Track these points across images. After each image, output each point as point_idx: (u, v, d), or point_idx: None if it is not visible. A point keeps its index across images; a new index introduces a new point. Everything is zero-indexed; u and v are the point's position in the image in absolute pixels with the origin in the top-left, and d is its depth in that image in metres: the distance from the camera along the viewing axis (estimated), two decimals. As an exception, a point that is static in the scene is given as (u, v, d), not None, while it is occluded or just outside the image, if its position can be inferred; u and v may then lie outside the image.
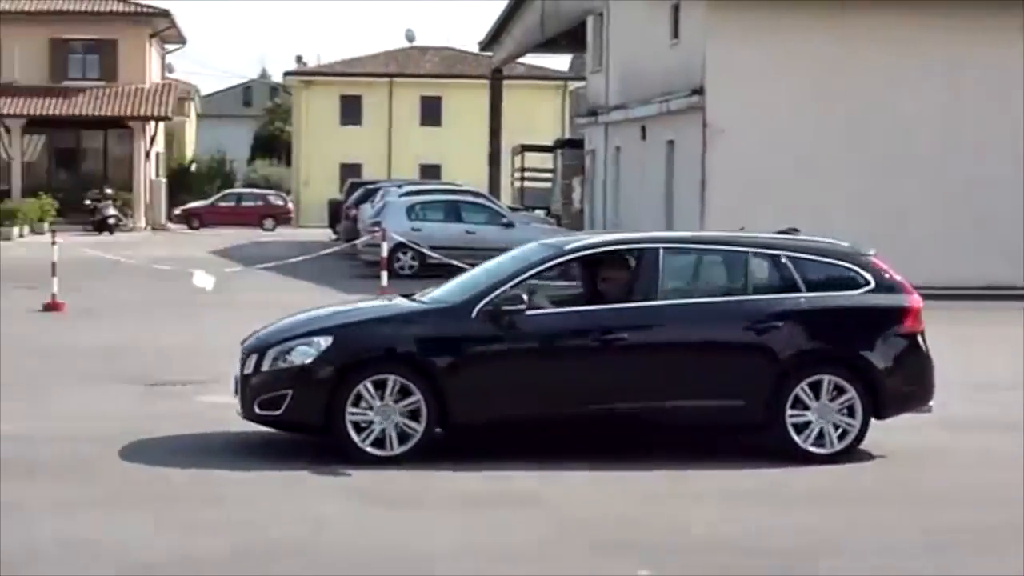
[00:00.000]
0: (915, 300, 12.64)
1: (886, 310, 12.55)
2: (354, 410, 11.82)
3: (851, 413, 12.23)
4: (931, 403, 12.77)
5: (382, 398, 11.83)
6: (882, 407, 12.39)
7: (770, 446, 12.32)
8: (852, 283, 12.65)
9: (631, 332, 12.28)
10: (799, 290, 12.52)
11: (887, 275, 12.72)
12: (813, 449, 12.17)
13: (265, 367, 12.14)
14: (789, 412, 12.13)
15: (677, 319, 12.42)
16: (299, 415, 12.06)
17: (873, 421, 12.37)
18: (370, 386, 11.85)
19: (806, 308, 12.46)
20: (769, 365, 12.24)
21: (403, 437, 11.85)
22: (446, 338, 12.19)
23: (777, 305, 12.47)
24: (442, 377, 11.98)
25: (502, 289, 12.24)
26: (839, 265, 12.77)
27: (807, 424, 12.17)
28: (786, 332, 12.36)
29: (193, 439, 12.99)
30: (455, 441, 12.27)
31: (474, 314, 12.14)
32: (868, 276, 12.63)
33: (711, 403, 12.31)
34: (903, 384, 12.53)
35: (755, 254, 12.81)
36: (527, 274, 12.51)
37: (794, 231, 13.29)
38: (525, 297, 12.15)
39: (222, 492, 10.87)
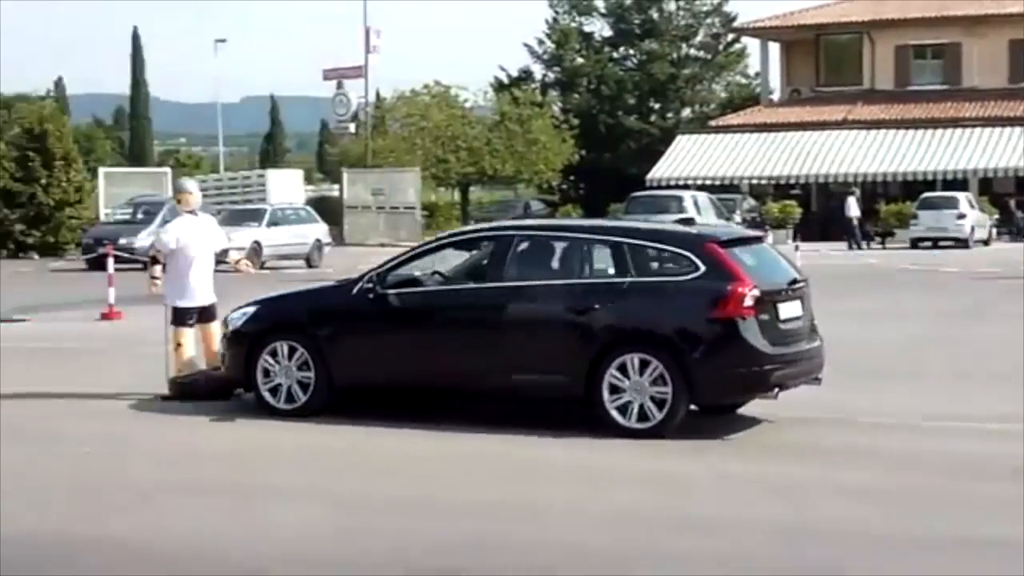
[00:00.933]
0: (740, 288, 12.82)
1: (705, 295, 12.94)
2: (264, 368, 14.19)
3: (664, 392, 12.80)
4: (775, 392, 13.12)
5: (287, 360, 14.06)
6: (700, 390, 12.92)
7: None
8: (683, 269, 13.21)
9: (478, 311, 13.71)
10: (629, 275, 13.27)
11: (721, 262, 13.08)
12: (630, 424, 12.88)
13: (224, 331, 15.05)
14: (606, 388, 12.90)
15: (517, 300, 13.55)
16: (232, 372, 14.72)
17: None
18: (276, 349, 14.16)
19: (624, 291, 13.23)
20: (587, 344, 13.07)
21: (292, 396, 14.12)
22: (329, 312, 14.38)
23: (599, 288, 13.39)
24: (324, 345, 14.04)
25: (377, 270, 14.20)
26: (674, 252, 13.42)
27: (627, 401, 12.90)
28: (604, 313, 13.15)
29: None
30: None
31: (354, 291, 14.13)
32: (700, 263, 13.09)
33: (541, 378, 13.32)
34: (719, 367, 12.90)
35: (596, 241, 13.85)
36: (402, 258, 14.53)
37: (689, 221, 14.28)
38: (391, 278, 14.04)
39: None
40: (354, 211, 61.08)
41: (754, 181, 63.12)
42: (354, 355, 14.08)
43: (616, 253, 13.53)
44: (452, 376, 13.82)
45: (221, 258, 16.76)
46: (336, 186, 71.81)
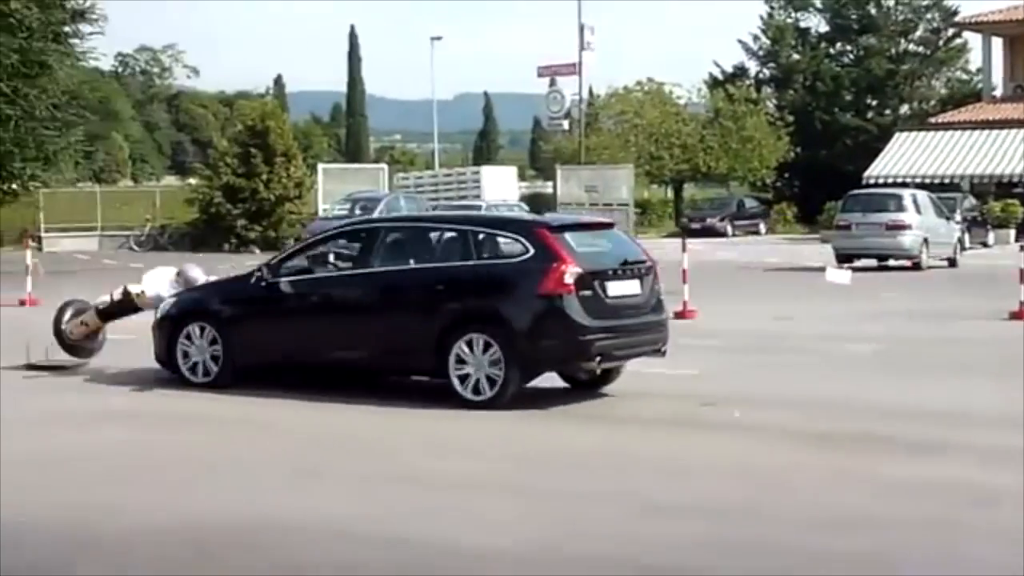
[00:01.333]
0: (560, 268, 14.22)
1: (532, 274, 14.36)
2: (182, 349, 16.07)
3: (499, 366, 14.18)
4: (598, 360, 14.49)
5: (200, 339, 15.92)
6: (526, 362, 14.31)
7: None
8: (515, 252, 14.67)
9: (347, 295, 15.50)
10: (472, 259, 14.86)
11: (547, 245, 14.45)
12: (472, 396, 14.29)
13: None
14: (452, 364, 14.32)
15: (378, 285, 15.27)
16: (156, 351, 16.45)
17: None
18: (191, 331, 16.01)
19: (463, 274, 14.83)
20: (436, 322, 14.56)
21: (207, 371, 15.93)
22: (229, 298, 16.29)
23: (445, 272, 14.98)
24: (225, 328, 15.84)
25: (269, 261, 16.22)
26: (509, 236, 14.92)
27: (467, 375, 14.34)
28: (447, 295, 14.75)
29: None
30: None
31: (252, 280, 15.98)
32: (530, 246, 14.51)
33: (398, 354, 15.00)
34: (541, 340, 14.31)
35: (447, 230, 15.72)
36: (293, 249, 16.92)
37: (537, 212, 15.84)
38: (283, 268, 15.83)
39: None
40: (567, 208, 61.15)
41: (975, 179, 61.65)
42: (248, 336, 15.85)
43: (463, 241, 15.10)
44: (328, 354, 15.44)
45: None
46: (549, 183, 72.16)
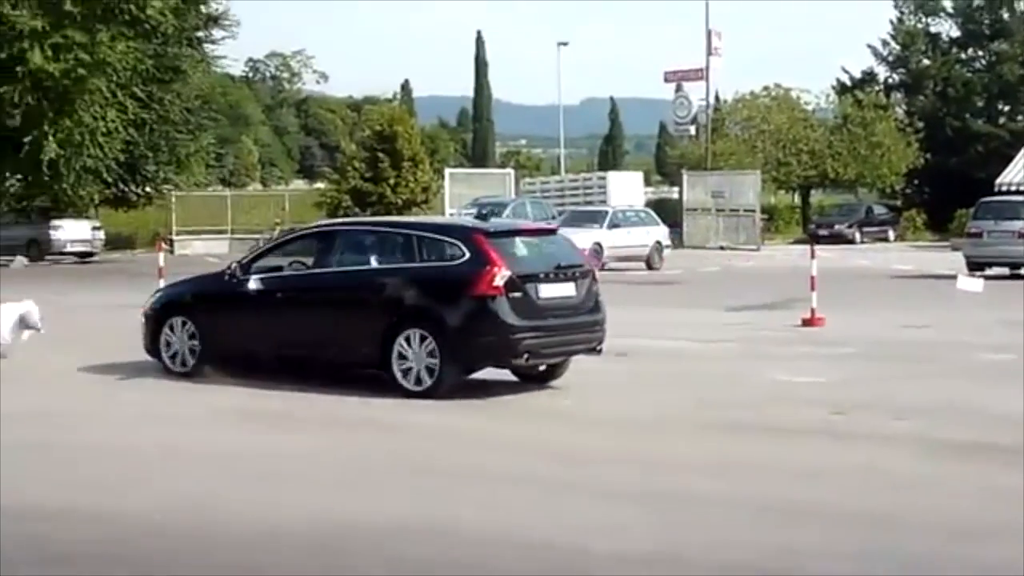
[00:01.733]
0: (491, 271, 15.21)
1: (463, 277, 15.40)
2: (165, 339, 17.32)
3: (436, 360, 15.20)
4: (525, 357, 15.45)
5: (180, 331, 17.16)
6: (459, 357, 15.33)
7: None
8: (454, 256, 15.72)
9: (304, 293, 16.61)
10: (418, 261, 16.00)
11: (482, 249, 15.49)
12: (412, 387, 15.32)
13: None
14: (395, 358, 15.37)
15: (332, 284, 16.45)
16: (146, 343, 17.61)
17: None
18: (174, 322, 17.24)
19: (407, 275, 15.89)
20: (380, 319, 15.63)
21: (184, 362, 17.13)
22: (204, 294, 17.54)
23: (390, 273, 16.08)
24: (200, 321, 17.09)
25: (241, 260, 17.38)
26: (449, 241, 15.90)
27: (408, 364, 15.36)
28: (392, 294, 15.81)
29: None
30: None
31: (224, 278, 17.12)
32: (466, 250, 15.58)
33: (348, 349, 16.05)
34: (472, 337, 15.30)
35: (395, 234, 16.88)
36: (263, 248, 17.98)
37: (484, 217, 17.55)
38: (253, 267, 16.94)
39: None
40: (693, 213, 61.04)
41: (1110, 186, 60.40)
42: (220, 330, 17.07)
43: (407, 244, 16.24)
44: (286, 347, 16.60)
45: None
46: (675, 188, 71.91)
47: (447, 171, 65.44)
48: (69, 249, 51.80)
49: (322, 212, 58.18)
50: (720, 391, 16.14)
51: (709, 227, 60.29)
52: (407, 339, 15.40)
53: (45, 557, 8.87)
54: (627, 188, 63.15)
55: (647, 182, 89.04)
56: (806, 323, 23.22)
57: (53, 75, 45.13)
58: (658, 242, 45.33)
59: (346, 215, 55.46)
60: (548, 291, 15.83)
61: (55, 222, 51.71)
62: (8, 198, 53.27)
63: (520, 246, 16.42)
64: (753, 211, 60.23)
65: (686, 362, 18.87)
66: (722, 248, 56.42)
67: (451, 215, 54.73)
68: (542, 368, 16.41)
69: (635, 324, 21.08)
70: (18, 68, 45.07)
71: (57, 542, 9.20)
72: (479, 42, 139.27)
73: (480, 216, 45.10)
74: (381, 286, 16.03)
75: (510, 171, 69.83)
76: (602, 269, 39.77)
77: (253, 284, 16.79)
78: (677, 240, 54.13)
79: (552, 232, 18.02)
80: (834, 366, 18.23)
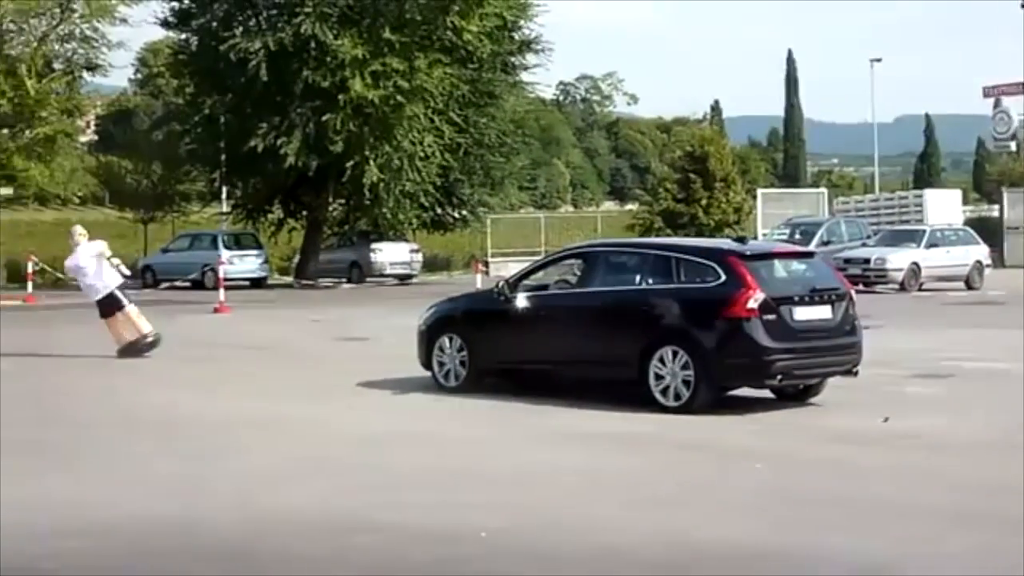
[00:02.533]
0: (745, 293, 15.47)
1: (719, 299, 15.69)
2: (437, 355, 18.13)
3: (691, 378, 15.58)
4: (779, 379, 15.74)
5: (449, 348, 17.97)
6: (713, 377, 15.64)
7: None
8: (711, 278, 15.97)
9: (568, 312, 17.13)
10: (675, 282, 16.30)
11: (737, 272, 15.71)
12: (670, 403, 15.68)
13: None
14: (652, 373, 15.80)
15: (594, 303, 16.89)
16: (420, 358, 18.44)
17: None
18: (444, 340, 18.09)
19: (664, 296, 16.25)
20: (638, 339, 16.07)
21: (457, 376, 17.88)
22: (473, 311, 18.44)
23: (649, 294, 16.49)
24: (469, 338, 17.88)
25: (508, 279, 18.11)
26: (705, 263, 16.19)
27: (665, 383, 15.74)
28: (650, 314, 16.24)
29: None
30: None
31: (493, 295, 17.94)
32: (722, 272, 15.83)
33: (608, 365, 16.50)
34: (727, 358, 15.58)
35: (654, 255, 17.10)
36: (531, 267, 18.67)
37: (742, 239, 18.56)
38: (521, 285, 17.62)
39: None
40: (1015, 232, 59.08)
41: None
42: (486, 345, 17.74)
43: (666, 265, 16.56)
44: (548, 363, 17.23)
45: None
46: (994, 207, 69.76)
47: (759, 191, 64.90)
48: (389, 271, 53.19)
49: (634, 234, 58.40)
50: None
51: (1032, 246, 58.25)
52: (662, 358, 15.80)
53: (367, 571, 9.09)
54: (945, 206, 61.51)
55: (965, 200, 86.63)
56: None
57: (373, 102, 46.49)
58: (978, 261, 44.03)
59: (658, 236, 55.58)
60: (803, 313, 16.00)
61: (375, 245, 53.16)
62: (331, 222, 55.04)
63: (776, 268, 16.69)
64: (1080, 228, 57.95)
65: (1012, 383, 18.28)
66: (1047, 267, 54.50)
67: (763, 236, 54.30)
68: (799, 389, 16.58)
69: (956, 345, 20.57)
70: (340, 96, 46.58)
71: (384, 557, 9.42)
72: (790, 61, 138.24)
73: (794, 237, 44.68)
74: (640, 306, 16.45)
75: (823, 190, 68.89)
76: (919, 289, 39.06)
77: (519, 302, 17.40)
78: (997, 260, 52.44)
79: (809, 255, 18.20)
80: None
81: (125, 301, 22.91)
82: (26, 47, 55.32)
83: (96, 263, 22.85)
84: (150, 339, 22.72)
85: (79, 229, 23.79)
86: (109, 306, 22.76)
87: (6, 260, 47.57)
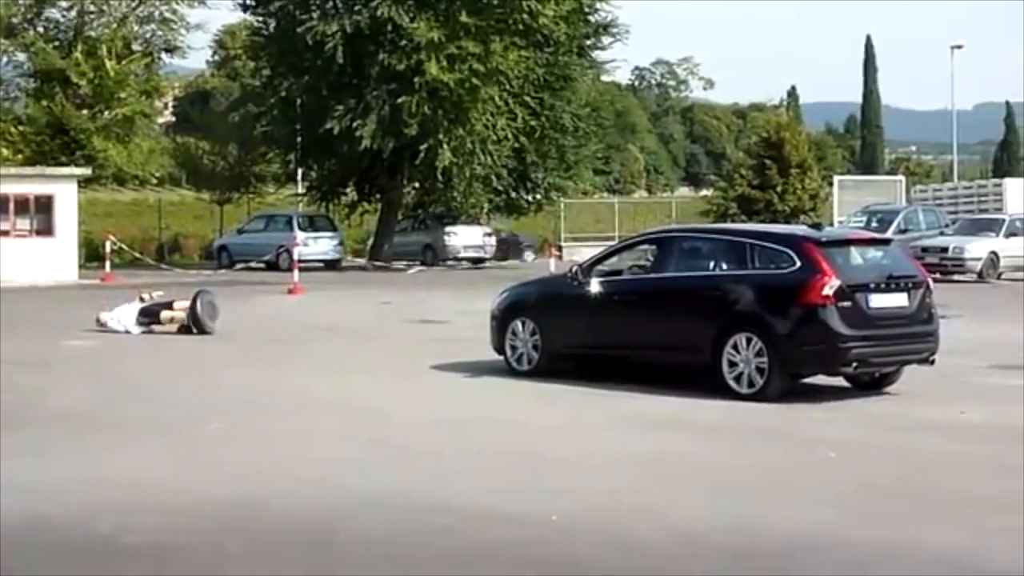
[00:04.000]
0: (820, 280, 15.37)
1: (794, 285, 15.59)
2: (510, 339, 18.03)
3: (764, 365, 15.48)
4: (854, 366, 15.59)
5: (523, 332, 17.95)
6: (787, 364, 15.55)
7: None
8: (786, 264, 15.85)
9: (641, 297, 17.06)
10: (749, 268, 16.25)
11: (812, 258, 15.62)
12: (743, 390, 15.58)
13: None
14: (726, 360, 15.71)
15: (667, 289, 16.84)
16: (493, 342, 18.44)
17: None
18: (517, 324, 18.05)
19: (739, 282, 16.19)
20: (711, 325, 15.98)
21: (530, 360, 17.88)
22: (547, 296, 18.49)
23: (723, 280, 16.45)
24: (543, 321, 17.85)
25: (582, 264, 18.00)
26: (780, 249, 16.09)
27: (738, 370, 15.65)
28: (724, 300, 16.18)
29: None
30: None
31: (566, 280, 17.96)
32: (797, 259, 15.72)
33: (681, 351, 16.48)
34: (801, 345, 15.50)
35: (728, 241, 17.01)
36: (605, 252, 18.52)
37: (818, 226, 18.22)
38: (593, 270, 17.55)
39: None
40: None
41: None
42: (559, 330, 17.73)
43: (740, 251, 16.49)
44: (622, 348, 17.17)
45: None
46: (1075, 196, 68.84)
47: (836, 178, 64.39)
48: (462, 255, 53.29)
49: (709, 219, 58.17)
50: None
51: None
52: (736, 344, 15.72)
53: (445, 553, 9.11)
54: (1024, 195, 60.77)
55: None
56: None
57: (448, 85, 46.54)
58: (1058, 251, 43.48)
59: (733, 222, 55.34)
60: (879, 301, 15.85)
61: (449, 228, 53.25)
62: (405, 205, 55.18)
63: (852, 255, 16.53)
64: None
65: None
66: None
67: (839, 223, 53.92)
68: (875, 376, 16.43)
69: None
70: (416, 79, 46.65)
71: (457, 539, 9.43)
72: (868, 46, 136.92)
73: (871, 225, 44.31)
74: (714, 292, 16.39)
75: (901, 178, 68.24)
76: (998, 279, 38.63)
77: (593, 287, 17.34)
78: (1079, 250, 51.71)
79: (886, 242, 18.08)
80: None
81: None
82: (106, 28, 55.93)
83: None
84: None
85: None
86: None
87: (85, 239, 47.94)
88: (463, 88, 46.88)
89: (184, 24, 57.11)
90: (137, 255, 49.82)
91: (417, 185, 53.53)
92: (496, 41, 47.53)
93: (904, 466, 12.11)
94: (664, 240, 17.90)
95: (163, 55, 58.68)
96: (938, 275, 33.95)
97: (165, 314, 23.71)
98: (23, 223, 41.58)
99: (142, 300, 24.14)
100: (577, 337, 17.66)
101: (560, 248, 53.68)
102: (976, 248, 41.32)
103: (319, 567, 8.73)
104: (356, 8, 48.22)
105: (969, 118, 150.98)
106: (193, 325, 23.25)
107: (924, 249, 40.06)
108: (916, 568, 8.79)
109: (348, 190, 54.65)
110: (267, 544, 9.23)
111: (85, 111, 55.07)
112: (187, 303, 23.60)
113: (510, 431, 13.95)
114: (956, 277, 39.98)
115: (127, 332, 23.27)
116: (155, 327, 23.55)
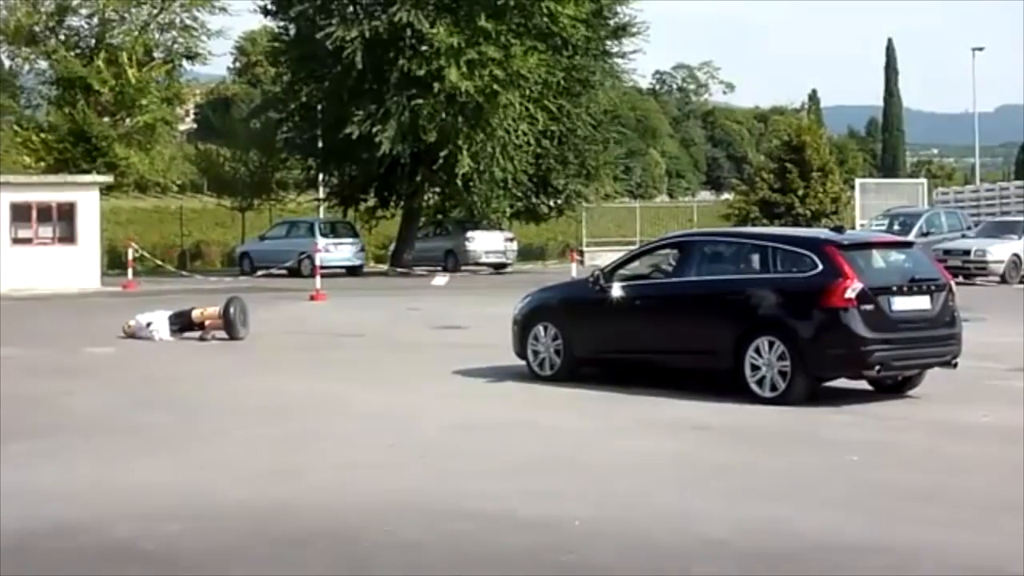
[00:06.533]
0: (843, 283, 15.36)
1: (816, 288, 15.55)
2: (532, 344, 18.05)
3: (785, 366, 15.49)
4: (877, 370, 15.49)
5: (544, 336, 18.02)
6: (810, 367, 15.52)
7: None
8: (807, 267, 15.84)
9: (662, 301, 17.07)
10: (771, 271, 16.24)
11: (835, 262, 15.61)
12: (766, 394, 15.58)
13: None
14: (748, 363, 15.71)
15: (689, 293, 16.84)
16: (515, 347, 18.42)
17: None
18: (539, 329, 18.05)
19: (760, 286, 16.19)
20: (733, 329, 15.99)
21: (552, 365, 17.87)
22: (569, 301, 18.44)
23: (745, 284, 16.46)
24: (564, 327, 17.84)
25: (603, 268, 18.03)
26: (802, 253, 16.06)
27: (761, 374, 15.65)
28: (746, 304, 16.16)
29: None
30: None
31: (588, 285, 17.86)
32: (820, 262, 15.71)
33: (703, 355, 16.44)
34: (824, 348, 15.49)
35: (750, 245, 17.10)
36: (627, 256, 18.63)
37: (839, 229, 18.42)
38: (615, 274, 17.54)
39: None
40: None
41: None
42: (581, 334, 17.70)
43: (762, 255, 16.52)
44: (643, 352, 17.14)
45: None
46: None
47: (857, 181, 64.25)
48: (484, 260, 53.34)
49: (730, 223, 58.09)
50: None
51: None
52: (758, 348, 15.71)
53: (468, 558, 9.11)
54: (1047, 198, 60.59)
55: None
56: None
57: (468, 91, 46.53)
58: (1078, 254, 43.32)
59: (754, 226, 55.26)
60: (902, 304, 15.83)
61: (470, 233, 53.29)
62: (426, 211, 55.22)
63: (874, 258, 16.49)
64: None
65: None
66: None
67: (861, 226, 53.79)
68: (898, 380, 16.39)
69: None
70: (435, 84, 46.66)
71: (479, 543, 9.44)
72: (889, 50, 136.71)
73: (893, 228, 44.20)
74: (736, 296, 16.38)
75: (923, 181, 68.07)
76: (1021, 281, 38.41)
77: (615, 292, 17.32)
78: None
79: (908, 245, 18.20)
80: None
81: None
82: (127, 36, 56.15)
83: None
84: None
85: None
86: None
87: (107, 247, 48.10)
88: (483, 94, 46.87)
89: (205, 31, 57.42)
90: (159, 262, 49.93)
91: (438, 190, 53.57)
92: (516, 45, 47.51)
93: (927, 469, 12.08)
94: (686, 244, 17.84)
95: (184, 62, 58.96)
96: (960, 278, 33.95)
97: (195, 316, 23.95)
98: (45, 231, 41.68)
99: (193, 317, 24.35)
100: (599, 342, 17.66)
101: (582, 253, 53.67)
102: (998, 251, 41.19)
103: (344, 572, 8.74)
104: (376, 13, 48.25)
105: (991, 120, 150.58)
106: (226, 331, 23.45)
107: (946, 252, 39.95)
108: (940, 571, 8.77)
109: (369, 196, 54.71)
110: (291, 549, 9.22)
111: (107, 118, 55.32)
112: (217, 309, 23.82)
113: (532, 436, 13.94)
114: (978, 280, 39.87)
115: (160, 339, 23.38)
116: (187, 333, 23.70)
